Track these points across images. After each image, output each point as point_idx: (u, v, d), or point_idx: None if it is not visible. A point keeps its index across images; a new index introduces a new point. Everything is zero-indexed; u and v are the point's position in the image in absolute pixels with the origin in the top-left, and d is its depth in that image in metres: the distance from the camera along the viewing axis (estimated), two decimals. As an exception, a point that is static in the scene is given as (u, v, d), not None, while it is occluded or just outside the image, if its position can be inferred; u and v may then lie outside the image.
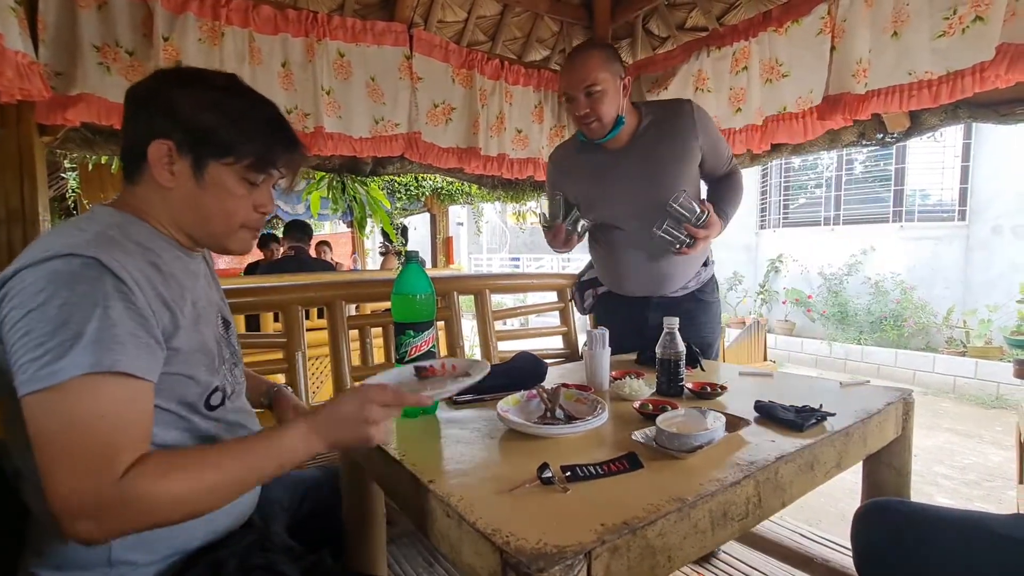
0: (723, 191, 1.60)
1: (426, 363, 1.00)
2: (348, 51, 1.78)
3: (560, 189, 1.59)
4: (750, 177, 7.95)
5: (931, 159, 6.36)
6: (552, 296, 2.34)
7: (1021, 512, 0.92)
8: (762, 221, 8.10)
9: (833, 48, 1.61)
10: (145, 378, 0.67)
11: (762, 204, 8.08)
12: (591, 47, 1.48)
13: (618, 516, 0.66)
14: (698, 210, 1.42)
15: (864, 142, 1.96)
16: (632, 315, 1.65)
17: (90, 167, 2.76)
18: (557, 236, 1.55)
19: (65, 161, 2.74)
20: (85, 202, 2.77)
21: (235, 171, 0.78)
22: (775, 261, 7.62)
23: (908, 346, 6.01)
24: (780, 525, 1.88)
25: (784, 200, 7.86)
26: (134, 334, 0.66)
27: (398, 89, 1.88)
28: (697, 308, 1.63)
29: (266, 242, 4.43)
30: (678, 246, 1.46)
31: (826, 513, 2.73)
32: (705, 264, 1.66)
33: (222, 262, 6.70)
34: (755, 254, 8.10)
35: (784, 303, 7.42)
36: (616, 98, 1.42)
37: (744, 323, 6.36)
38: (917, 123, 1.79)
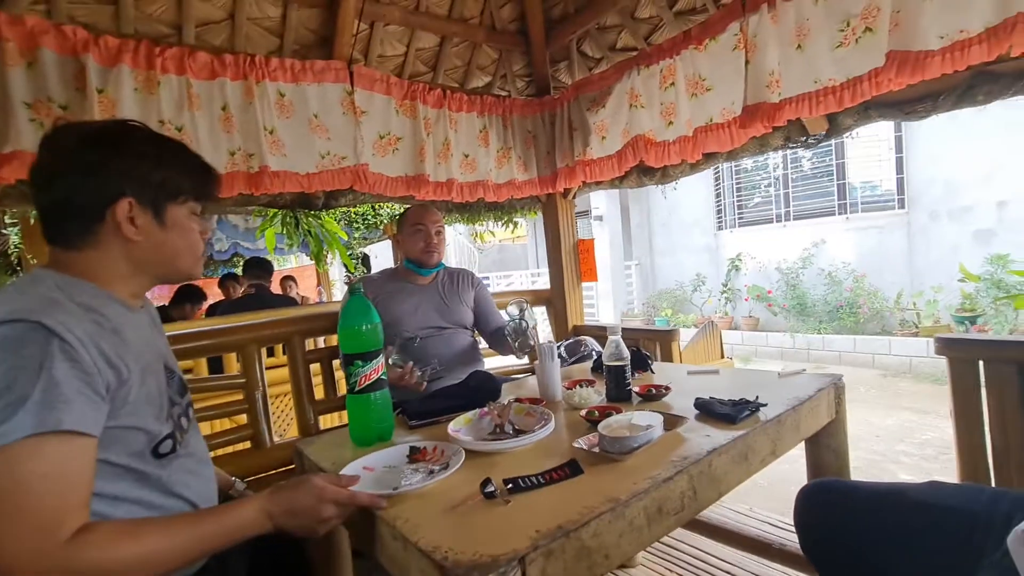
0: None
1: (420, 444, 1.02)
2: (288, 91, 1.81)
3: (380, 309, 1.73)
4: (703, 181, 8.25)
5: (868, 152, 6.72)
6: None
7: (935, 479, 0.99)
8: (719, 222, 8.38)
9: (748, 62, 1.72)
10: (89, 433, 0.69)
11: (718, 206, 8.37)
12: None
13: (553, 521, 0.69)
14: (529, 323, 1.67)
15: (790, 145, 2.09)
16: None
17: (32, 221, 2.69)
18: (410, 378, 1.53)
19: (5, 217, 2.67)
20: (29, 257, 2.69)
21: (186, 208, 0.87)
22: (735, 260, 7.87)
23: (865, 331, 6.26)
24: (749, 516, 1.94)
25: (738, 201, 8.16)
26: (79, 391, 0.69)
27: (342, 124, 1.91)
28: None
29: (224, 281, 4.36)
30: (522, 350, 1.67)
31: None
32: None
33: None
34: (716, 254, 8.36)
35: (747, 300, 7.65)
36: (444, 246, 1.93)
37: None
38: (834, 125, 1.92)
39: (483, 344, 2.09)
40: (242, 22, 1.81)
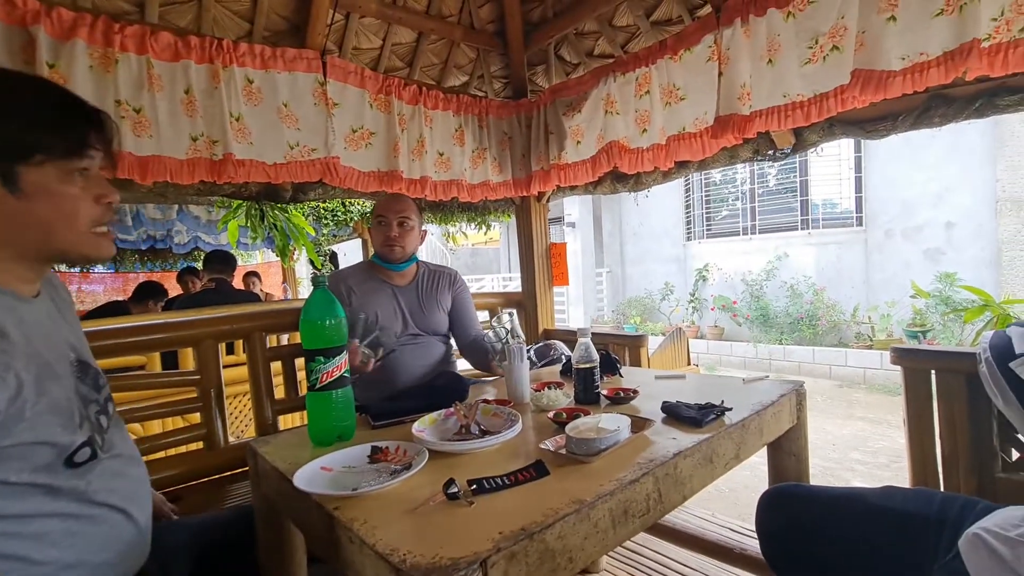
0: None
1: (382, 444, 0.98)
2: (257, 77, 1.74)
3: (355, 304, 1.67)
4: (674, 192, 8.43)
5: (829, 171, 7.00)
6: (484, 316, 2.37)
7: (890, 484, 1.02)
8: (688, 233, 8.57)
9: (721, 74, 1.76)
10: None
11: (687, 218, 8.56)
12: (408, 197, 1.83)
13: (517, 523, 0.67)
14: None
15: (758, 158, 2.14)
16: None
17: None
18: (354, 356, 1.45)
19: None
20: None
21: (54, 168, 0.71)
22: (702, 270, 8.06)
23: (823, 343, 6.49)
24: (711, 521, 1.96)
25: (707, 213, 8.36)
26: None
27: (313, 115, 1.85)
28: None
29: (183, 275, 4.18)
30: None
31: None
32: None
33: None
34: (684, 265, 8.53)
35: (713, 309, 7.83)
36: (416, 241, 1.75)
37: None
38: (800, 140, 1.98)
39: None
40: (210, 4, 1.74)
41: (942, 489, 1.43)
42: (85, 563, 0.74)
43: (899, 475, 3.37)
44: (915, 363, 1.48)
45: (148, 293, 3.62)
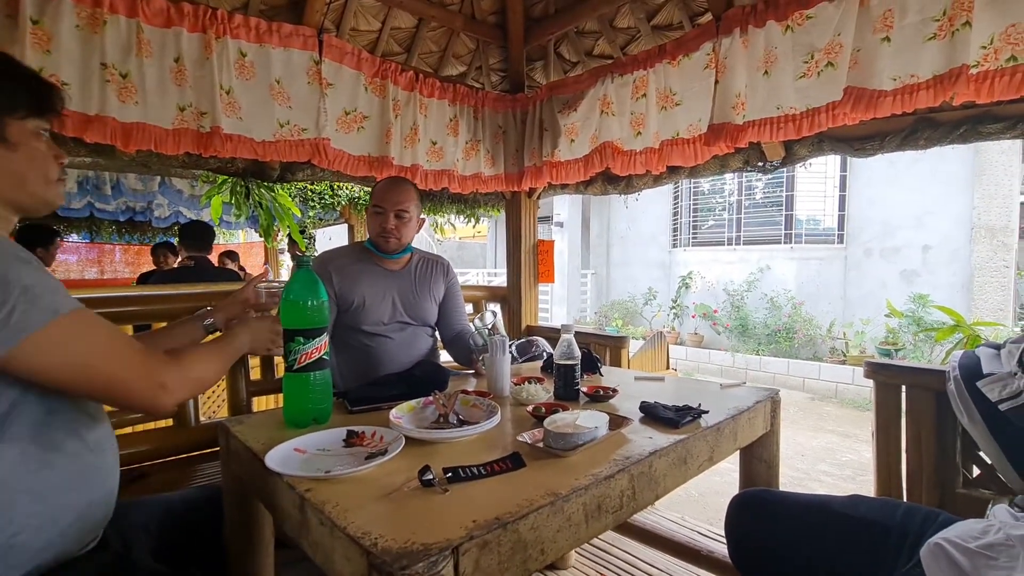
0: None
1: (358, 429, 0.97)
2: (251, 51, 1.70)
3: (338, 288, 1.63)
4: (662, 198, 8.49)
5: (815, 188, 7.13)
6: (469, 308, 2.35)
7: (856, 493, 1.04)
8: (674, 240, 8.65)
9: (717, 82, 1.77)
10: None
11: (674, 225, 8.64)
12: (408, 182, 1.74)
13: (491, 512, 0.67)
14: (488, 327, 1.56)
15: (748, 168, 2.17)
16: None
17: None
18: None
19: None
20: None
21: (31, 125, 0.79)
22: (686, 278, 8.15)
23: (798, 356, 6.61)
24: (681, 524, 1.99)
25: (694, 221, 8.45)
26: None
27: (306, 94, 1.82)
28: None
29: (157, 250, 4.03)
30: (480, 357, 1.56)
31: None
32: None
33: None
34: (668, 271, 8.62)
35: (694, 317, 7.93)
36: (413, 231, 1.71)
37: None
38: (790, 153, 2.01)
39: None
40: (206, -28, 1.70)
41: (905, 500, 1.47)
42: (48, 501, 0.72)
43: (864, 487, 3.45)
44: (887, 377, 1.52)
45: (34, 240, 2.96)
